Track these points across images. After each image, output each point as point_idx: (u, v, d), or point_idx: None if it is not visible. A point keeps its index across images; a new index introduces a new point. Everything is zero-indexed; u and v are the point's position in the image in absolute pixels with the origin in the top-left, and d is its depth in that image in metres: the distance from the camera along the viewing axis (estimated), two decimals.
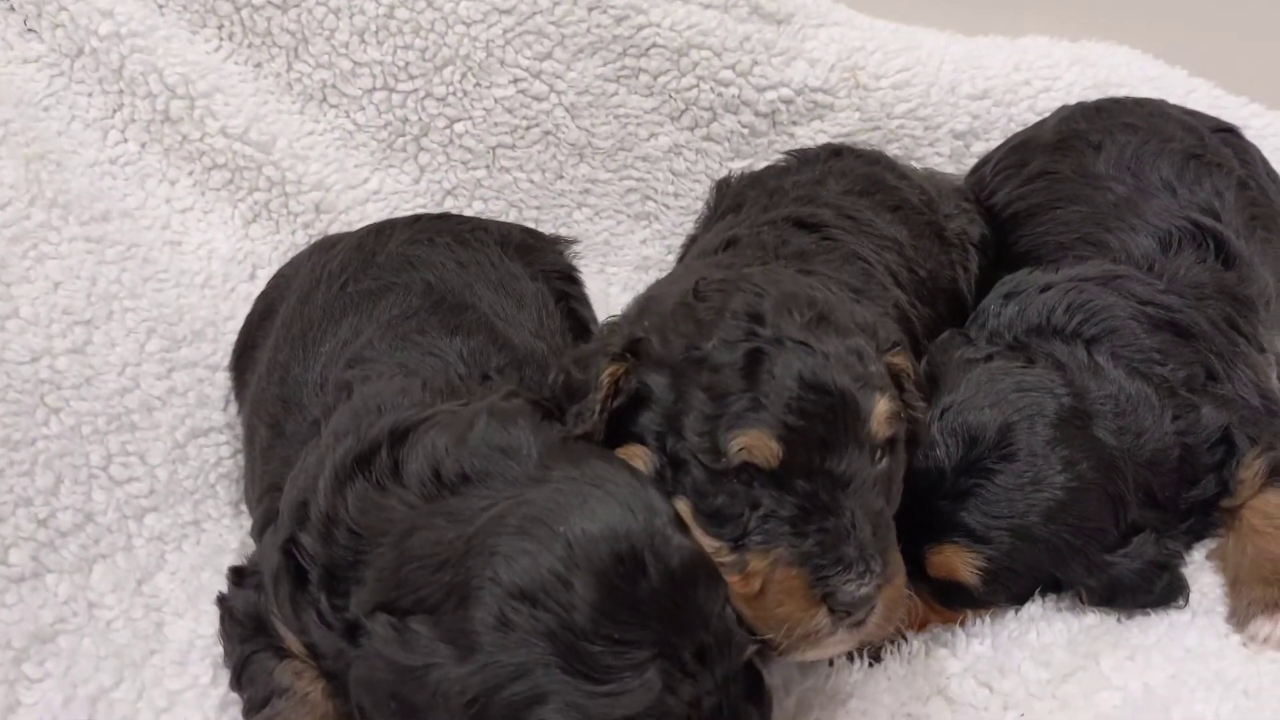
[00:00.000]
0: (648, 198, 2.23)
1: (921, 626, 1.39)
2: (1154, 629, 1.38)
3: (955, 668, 1.32)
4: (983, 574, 1.34)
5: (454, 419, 1.21)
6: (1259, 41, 2.44)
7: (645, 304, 1.34)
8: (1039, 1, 2.41)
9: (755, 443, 1.14)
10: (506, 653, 1.00)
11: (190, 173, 2.01)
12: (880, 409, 1.17)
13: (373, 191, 2.09)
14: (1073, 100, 2.14)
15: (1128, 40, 2.36)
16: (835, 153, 1.92)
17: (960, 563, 1.34)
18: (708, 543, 1.15)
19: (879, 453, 1.18)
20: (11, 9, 1.96)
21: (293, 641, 1.24)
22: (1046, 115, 2.12)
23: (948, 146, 2.24)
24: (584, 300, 1.78)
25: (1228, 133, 1.93)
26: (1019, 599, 1.40)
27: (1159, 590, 1.41)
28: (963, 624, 1.40)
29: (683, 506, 1.17)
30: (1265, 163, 1.94)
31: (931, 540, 1.34)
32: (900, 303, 1.62)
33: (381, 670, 1.07)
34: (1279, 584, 1.37)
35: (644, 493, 1.09)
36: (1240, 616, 1.38)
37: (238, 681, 1.30)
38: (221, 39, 2.05)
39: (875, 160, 1.91)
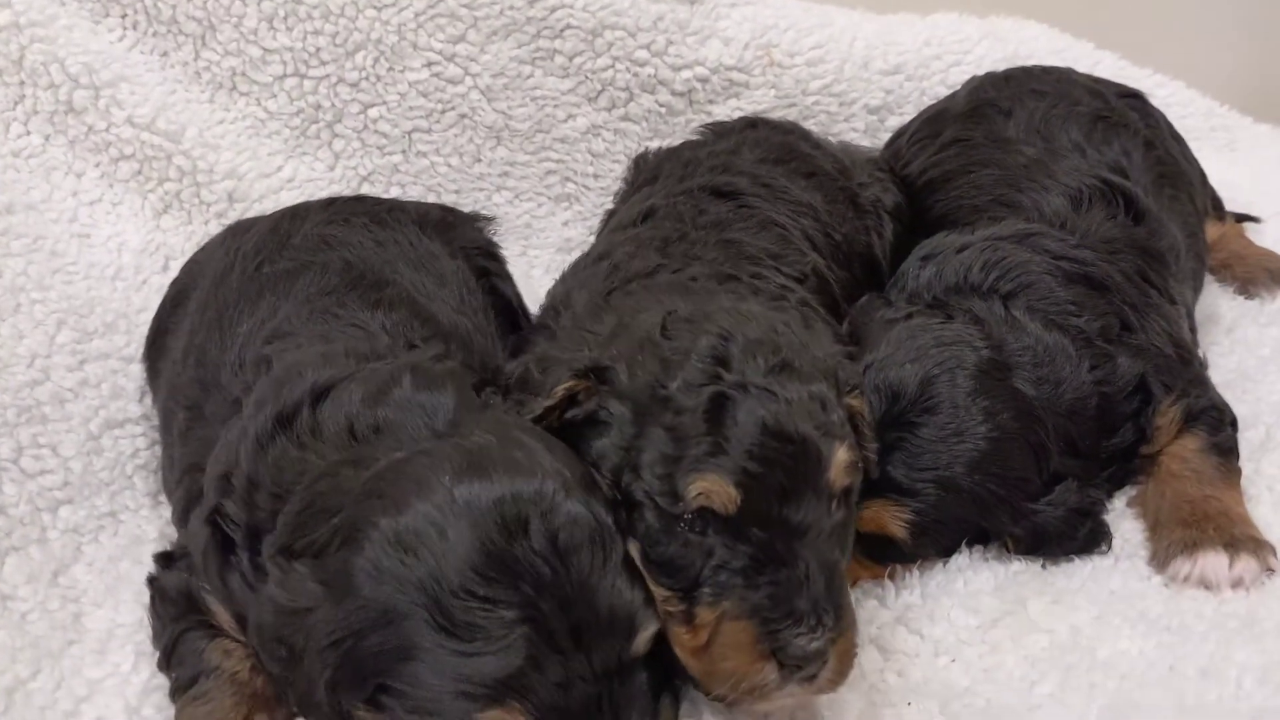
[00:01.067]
0: (567, 179, 2.23)
1: (852, 583, 1.40)
2: (1079, 574, 1.40)
3: (886, 617, 1.33)
4: (910, 527, 1.35)
5: (375, 374, 1.19)
6: (1162, 15, 2.51)
7: (614, 329, 1.28)
8: None
9: (714, 488, 1.11)
10: (376, 598, 0.99)
11: (97, 164, 1.96)
12: (840, 457, 1.15)
13: (287, 179, 2.06)
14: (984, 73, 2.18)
15: (1034, 15, 2.42)
16: (751, 124, 1.94)
17: (888, 517, 1.35)
18: (656, 591, 1.12)
19: (836, 502, 1.16)
20: None
21: (224, 616, 1.22)
22: (958, 89, 2.16)
23: (862, 121, 2.28)
24: (506, 276, 1.77)
25: (1133, 97, 1.98)
26: (946, 551, 1.41)
27: (1082, 537, 1.43)
28: (891, 577, 1.40)
29: (633, 550, 1.13)
30: (1170, 126, 2.00)
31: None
32: (818, 266, 1.63)
33: (268, 613, 1.06)
34: (1196, 525, 1.40)
35: (548, 459, 1.07)
36: (1161, 558, 1.40)
37: (166, 661, 1.27)
38: (125, 28, 2.01)
39: (790, 130, 1.93)
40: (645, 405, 1.16)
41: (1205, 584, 1.34)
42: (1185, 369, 1.56)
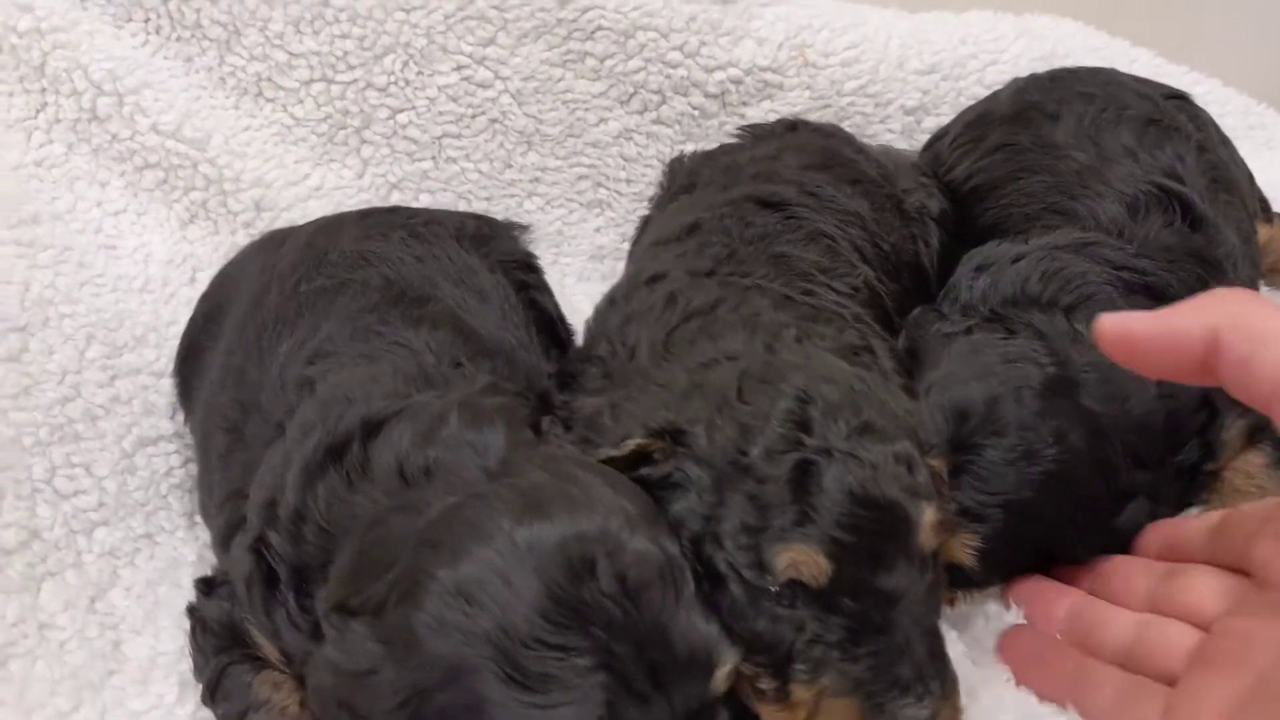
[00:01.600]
0: (599, 185, 2.19)
1: None
2: None
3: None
4: (980, 554, 1.30)
5: (425, 412, 1.15)
6: (1198, 12, 2.47)
7: (688, 389, 1.21)
8: None
9: (803, 559, 1.05)
10: (441, 654, 0.93)
11: (122, 173, 1.92)
12: (928, 519, 1.09)
13: (314, 187, 2.02)
14: (1020, 73, 2.13)
15: (1070, 12, 2.38)
16: (791, 127, 1.90)
17: (956, 544, 1.29)
18: (745, 669, 1.07)
19: (927, 564, 1.11)
20: None
21: (269, 649, 1.18)
22: (995, 88, 2.12)
23: (899, 123, 2.23)
24: (544, 288, 1.73)
25: (1180, 99, 1.93)
26: (1011, 576, 1.36)
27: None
28: (951, 603, 1.36)
29: None
30: (1217, 128, 1.95)
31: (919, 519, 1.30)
32: (869, 279, 1.59)
33: (327, 677, 1.00)
34: None
35: (609, 495, 1.02)
36: None
37: (211, 696, 1.23)
38: (149, 33, 1.96)
39: (831, 134, 1.89)
40: (725, 472, 1.10)
41: None
42: None
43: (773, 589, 1.07)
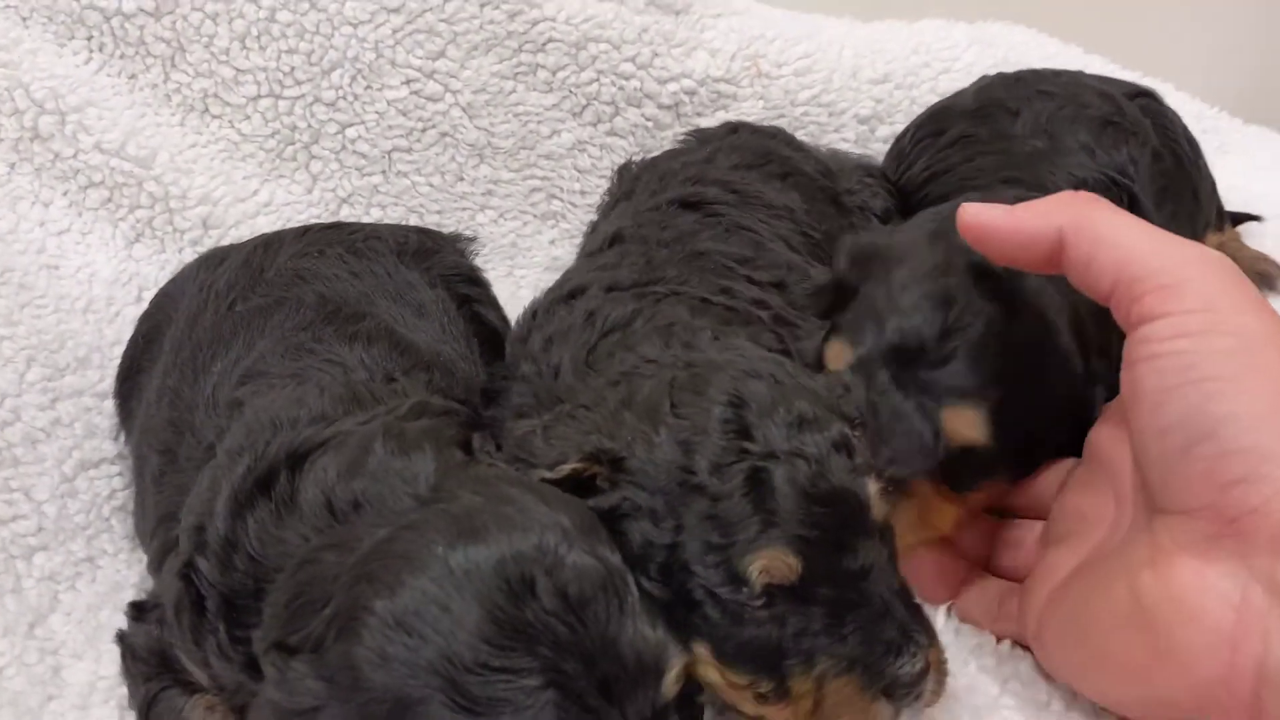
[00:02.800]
0: (553, 196, 2.18)
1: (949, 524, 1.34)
2: None
3: None
4: (990, 424, 1.28)
5: (350, 442, 1.13)
6: (1151, 18, 2.48)
7: (616, 408, 1.19)
8: None
9: (774, 563, 1.06)
10: (387, 687, 0.91)
11: (65, 192, 1.89)
12: (874, 493, 1.12)
13: (263, 204, 2.00)
14: (973, 81, 2.14)
15: (1023, 19, 2.39)
16: (732, 129, 1.91)
17: (962, 421, 1.28)
18: (739, 680, 1.09)
19: (883, 534, 1.13)
20: None
21: (200, 675, 1.16)
22: (966, 88, 2.12)
23: (853, 131, 2.23)
24: (488, 302, 1.71)
25: (1147, 97, 1.95)
26: (1019, 455, 1.33)
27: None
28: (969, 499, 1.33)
29: (702, 651, 1.09)
30: (1185, 130, 1.96)
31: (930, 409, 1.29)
32: (795, 264, 1.60)
33: (272, 717, 0.97)
34: None
35: (543, 511, 1.01)
36: None
37: None
38: (92, 50, 1.94)
39: (772, 134, 1.90)
40: (676, 495, 1.10)
41: None
42: None
43: (752, 601, 1.08)
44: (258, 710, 0.99)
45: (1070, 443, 1.32)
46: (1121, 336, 1.23)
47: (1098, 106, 1.83)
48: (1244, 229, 2.15)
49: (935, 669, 1.10)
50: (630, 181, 1.81)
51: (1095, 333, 1.37)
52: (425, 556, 0.95)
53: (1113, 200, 1.58)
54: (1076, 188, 1.60)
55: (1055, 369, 1.33)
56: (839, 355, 1.34)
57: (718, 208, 1.61)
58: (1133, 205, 1.65)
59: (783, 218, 1.66)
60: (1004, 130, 1.83)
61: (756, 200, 1.66)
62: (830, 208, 1.76)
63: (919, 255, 1.35)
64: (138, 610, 1.29)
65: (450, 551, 0.94)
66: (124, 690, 1.30)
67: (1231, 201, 2.12)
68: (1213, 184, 2.00)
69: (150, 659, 1.22)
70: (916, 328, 1.29)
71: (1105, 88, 1.91)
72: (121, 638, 1.28)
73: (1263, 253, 2.06)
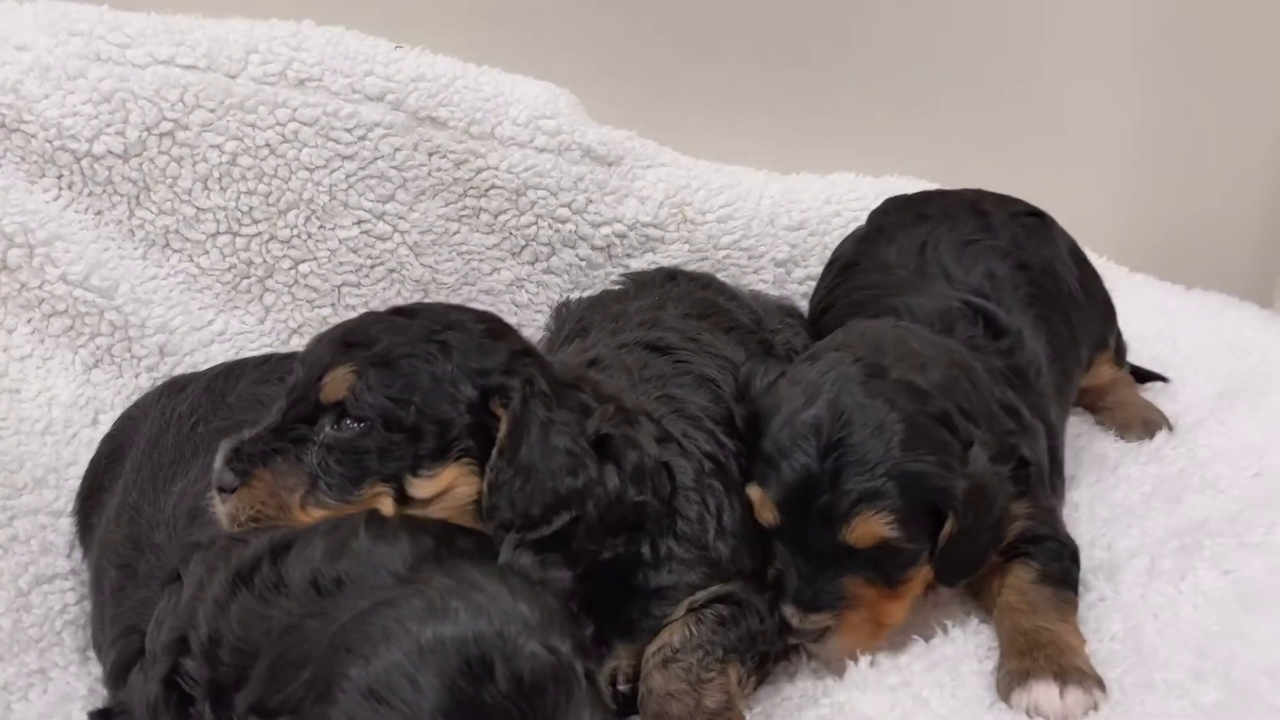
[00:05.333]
0: None
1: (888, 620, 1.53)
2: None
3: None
4: (896, 519, 1.46)
5: (336, 528, 1.24)
6: (1047, 173, 2.71)
7: None
8: (844, 142, 2.64)
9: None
10: None
11: (29, 320, 2.00)
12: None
13: (218, 332, 2.12)
14: None
15: (925, 174, 2.60)
16: (670, 276, 2.07)
17: (874, 524, 1.46)
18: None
19: None
20: None
21: None
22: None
23: (770, 273, 2.41)
24: None
25: (1035, 217, 2.14)
26: (930, 538, 1.51)
27: (1002, 496, 1.56)
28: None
29: None
30: (1073, 249, 2.15)
31: (841, 526, 1.46)
32: None
33: None
34: (1029, 655, 1.49)
35: (508, 600, 1.12)
36: (1002, 689, 1.50)
37: None
38: (61, 188, 2.06)
39: (707, 284, 2.06)
40: None
41: (1039, 715, 1.44)
42: (1039, 488, 1.70)
43: None
44: None
45: (962, 503, 1.50)
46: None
47: (965, 227, 2.03)
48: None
49: None
50: (575, 320, 1.95)
51: (951, 396, 1.56)
52: (397, 631, 1.06)
53: (968, 323, 1.85)
54: (940, 315, 1.83)
55: (924, 449, 1.50)
56: (760, 500, 1.54)
57: (682, 354, 1.76)
58: (988, 323, 1.85)
59: (729, 370, 1.80)
60: (880, 258, 2.03)
61: (710, 350, 1.82)
62: None
63: (785, 399, 1.55)
64: (105, 716, 1.36)
65: (421, 629, 1.06)
66: None
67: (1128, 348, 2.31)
68: (1107, 308, 2.19)
69: None
70: (803, 464, 1.49)
71: (988, 206, 2.12)
72: None
73: (1150, 403, 2.24)
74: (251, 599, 1.21)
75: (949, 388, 1.58)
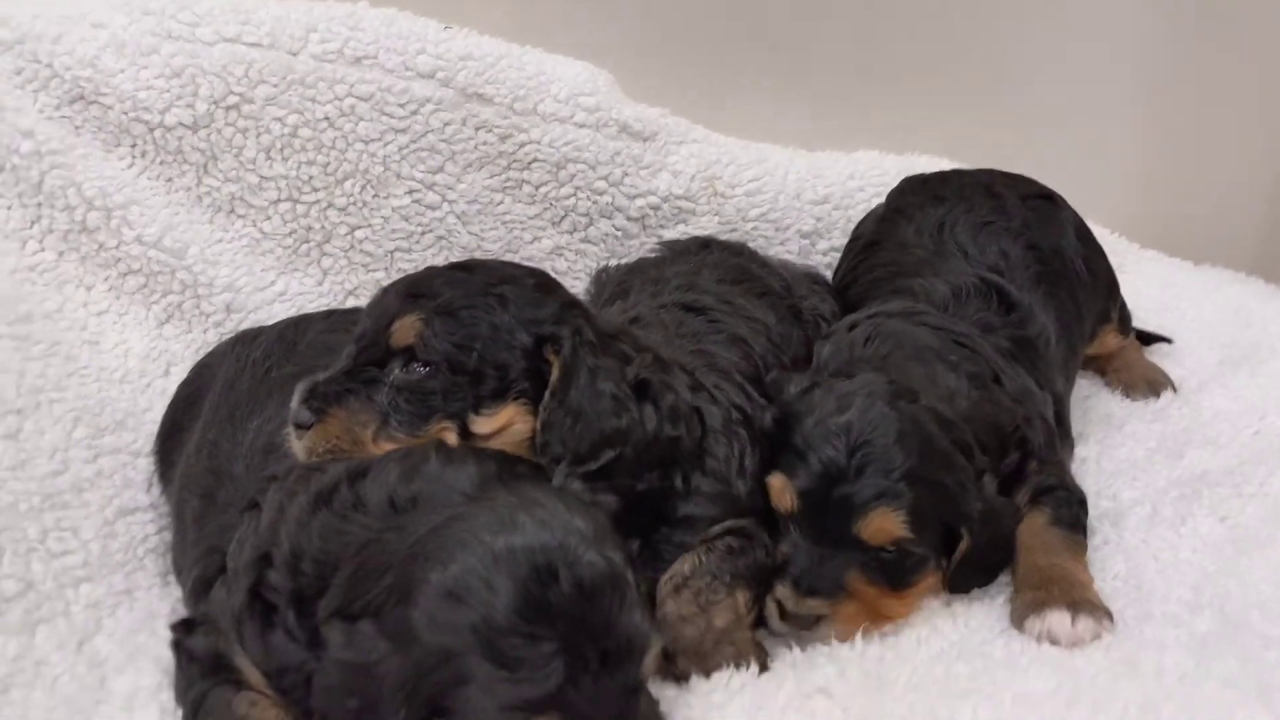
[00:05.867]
0: None
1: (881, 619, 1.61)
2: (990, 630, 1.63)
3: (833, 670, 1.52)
4: (909, 521, 1.56)
5: (408, 454, 1.38)
6: (1059, 151, 2.83)
7: None
8: (869, 122, 2.77)
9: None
10: (436, 642, 1.16)
11: (106, 278, 2.15)
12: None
13: (279, 293, 2.26)
14: None
15: (946, 153, 2.72)
16: (705, 245, 2.19)
17: (890, 521, 1.56)
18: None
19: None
20: None
21: (253, 674, 1.36)
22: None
23: (795, 245, 2.54)
24: None
25: (1044, 199, 2.27)
26: (938, 549, 1.62)
27: (1010, 523, 1.69)
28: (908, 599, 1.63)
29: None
30: (1080, 229, 2.27)
31: (857, 518, 1.56)
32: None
33: (336, 673, 1.22)
34: (1044, 588, 1.61)
35: (566, 516, 1.26)
36: (1016, 618, 1.61)
37: (193, 716, 1.40)
38: (135, 156, 2.21)
39: (740, 251, 2.19)
40: None
41: (1052, 639, 1.55)
42: (1048, 448, 1.81)
43: None
44: (322, 672, 1.23)
45: (974, 521, 1.61)
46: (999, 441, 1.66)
47: (980, 208, 2.16)
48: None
49: None
50: (616, 284, 2.08)
51: (972, 429, 1.67)
52: (471, 540, 1.20)
53: (983, 298, 1.98)
54: (954, 291, 1.96)
55: (944, 467, 1.61)
56: (782, 486, 1.63)
57: (716, 314, 1.89)
58: (1001, 298, 1.98)
59: (761, 333, 1.94)
60: (899, 238, 2.17)
61: (744, 313, 1.95)
62: (794, 328, 2.04)
63: (819, 405, 1.65)
64: (188, 625, 1.50)
65: (493, 538, 1.20)
66: (163, 696, 1.50)
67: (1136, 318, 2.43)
68: (1110, 283, 2.31)
69: (206, 660, 1.42)
70: (830, 457, 1.59)
71: (1000, 188, 2.24)
72: (178, 644, 1.48)
73: (1154, 364, 2.37)
74: (331, 517, 1.35)
75: (971, 418, 1.70)
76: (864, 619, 1.58)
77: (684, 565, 1.55)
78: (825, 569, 1.58)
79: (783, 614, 1.58)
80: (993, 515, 1.65)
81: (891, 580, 1.60)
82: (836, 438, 1.59)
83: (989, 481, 1.66)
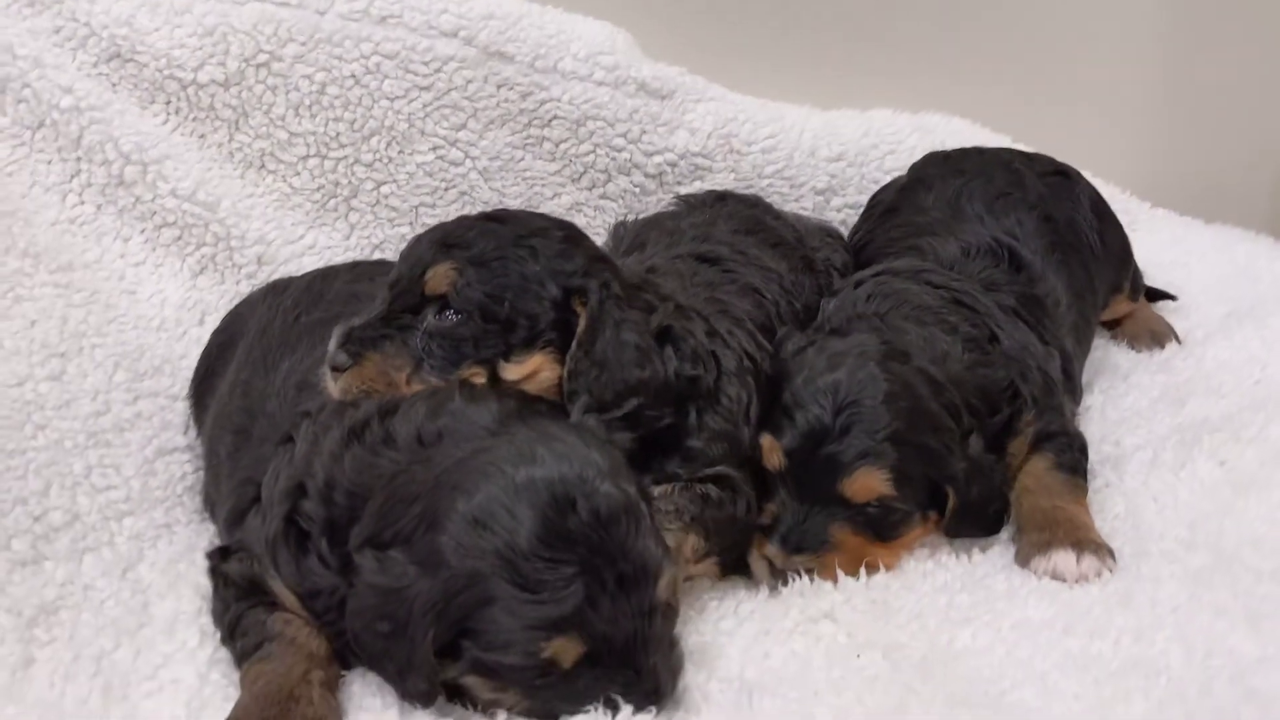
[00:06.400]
0: None
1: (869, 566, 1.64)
2: (992, 563, 1.70)
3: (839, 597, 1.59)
4: (893, 479, 1.61)
5: (434, 393, 1.46)
6: (1072, 112, 2.86)
7: None
8: (885, 80, 2.80)
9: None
10: (463, 566, 1.25)
11: (142, 230, 2.24)
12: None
13: (308, 246, 2.34)
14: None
15: (959, 111, 2.76)
16: (720, 198, 2.25)
17: (874, 479, 1.61)
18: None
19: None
20: None
21: (287, 596, 1.44)
22: (893, 174, 2.50)
23: (810, 201, 2.59)
24: None
25: (1060, 175, 2.32)
26: (923, 505, 1.67)
27: (997, 482, 1.73)
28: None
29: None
30: (1095, 203, 2.32)
31: (842, 476, 1.62)
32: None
33: (369, 597, 1.30)
34: (1049, 529, 1.67)
35: (584, 449, 1.34)
36: (1022, 557, 1.67)
37: (230, 635, 1.47)
38: (169, 113, 2.28)
39: (755, 204, 2.24)
40: None
41: (1058, 577, 1.60)
42: (1047, 396, 1.85)
43: None
44: (355, 596, 1.32)
45: (960, 482, 1.67)
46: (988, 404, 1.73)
47: (999, 180, 2.21)
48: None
49: None
50: (633, 237, 2.14)
51: (962, 390, 1.72)
52: (494, 472, 1.29)
53: (994, 258, 2.03)
54: (964, 250, 2.01)
55: (929, 429, 1.66)
56: (770, 446, 1.68)
57: (731, 264, 1.95)
58: (1012, 258, 2.03)
59: (775, 281, 1.99)
60: (918, 204, 2.22)
61: (757, 262, 2.00)
62: (807, 277, 2.09)
63: (809, 364, 1.70)
64: (224, 552, 1.59)
65: (515, 470, 1.29)
66: (202, 621, 1.57)
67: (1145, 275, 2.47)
68: (1124, 251, 2.35)
69: (242, 583, 1.49)
70: (816, 416, 1.65)
71: (1019, 165, 2.29)
72: (214, 569, 1.56)
73: (1158, 315, 2.42)
74: (363, 451, 1.43)
75: (961, 381, 1.74)
76: (853, 569, 1.62)
77: (655, 489, 1.60)
78: (810, 525, 1.64)
79: (772, 569, 1.64)
80: (978, 473, 1.69)
81: (877, 533, 1.66)
82: (824, 396, 1.64)
83: (975, 441, 1.71)
